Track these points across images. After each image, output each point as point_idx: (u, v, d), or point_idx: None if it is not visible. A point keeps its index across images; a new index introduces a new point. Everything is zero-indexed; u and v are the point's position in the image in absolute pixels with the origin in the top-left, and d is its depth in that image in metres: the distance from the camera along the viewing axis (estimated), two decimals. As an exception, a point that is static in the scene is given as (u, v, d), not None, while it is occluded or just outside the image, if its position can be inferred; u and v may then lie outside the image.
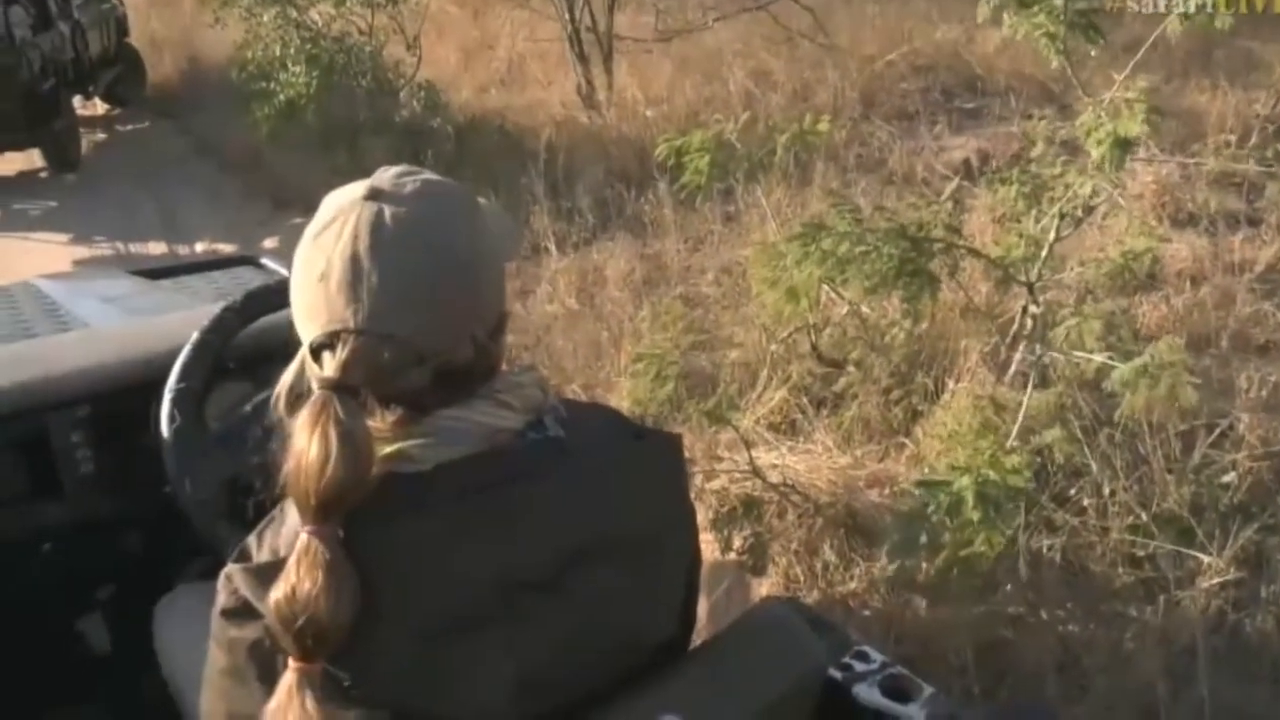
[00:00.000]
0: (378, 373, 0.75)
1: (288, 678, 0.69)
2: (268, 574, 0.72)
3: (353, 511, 0.72)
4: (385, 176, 0.80)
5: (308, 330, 0.78)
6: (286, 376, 0.80)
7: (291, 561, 0.70)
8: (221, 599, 0.75)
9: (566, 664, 0.77)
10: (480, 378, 0.80)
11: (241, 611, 0.73)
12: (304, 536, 0.70)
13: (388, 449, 0.76)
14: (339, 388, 0.73)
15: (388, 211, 0.76)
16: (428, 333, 0.76)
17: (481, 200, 0.85)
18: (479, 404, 0.78)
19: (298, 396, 0.76)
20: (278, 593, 0.69)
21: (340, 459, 0.70)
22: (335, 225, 0.77)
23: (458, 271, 0.78)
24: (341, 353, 0.74)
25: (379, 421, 0.77)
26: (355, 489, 0.71)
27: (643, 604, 0.83)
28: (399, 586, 0.72)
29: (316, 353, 0.76)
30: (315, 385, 0.74)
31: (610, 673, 0.80)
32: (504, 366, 0.84)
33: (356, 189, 0.79)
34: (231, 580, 0.74)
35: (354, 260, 0.75)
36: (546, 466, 0.78)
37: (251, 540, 0.78)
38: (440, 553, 0.74)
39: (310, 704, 0.68)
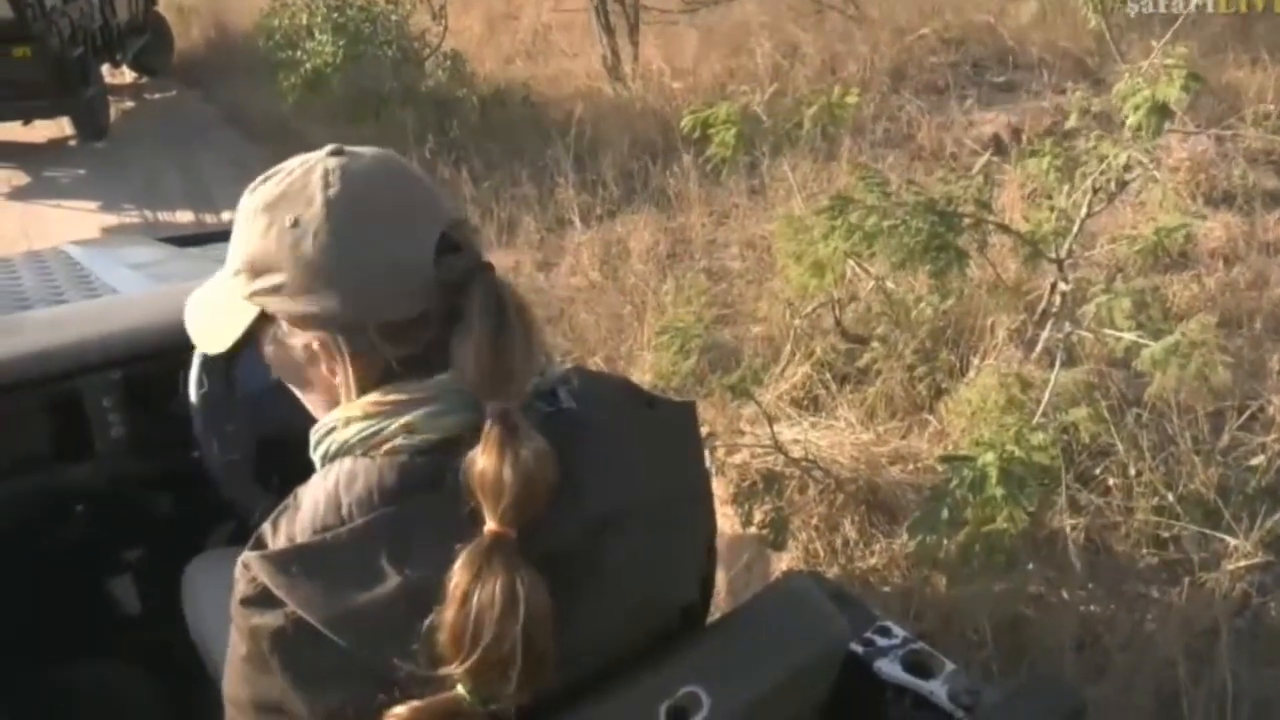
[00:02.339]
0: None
1: (480, 542, 0.69)
2: (286, 561, 0.71)
3: None
4: (322, 151, 0.81)
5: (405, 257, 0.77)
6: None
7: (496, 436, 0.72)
8: (240, 587, 0.74)
9: (594, 634, 0.77)
10: None
11: (261, 599, 0.72)
12: (495, 425, 0.72)
13: (402, 419, 0.74)
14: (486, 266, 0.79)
15: (367, 154, 0.81)
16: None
17: None
18: None
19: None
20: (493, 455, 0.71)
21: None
22: (355, 181, 0.78)
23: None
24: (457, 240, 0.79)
25: (381, 395, 0.76)
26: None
27: (663, 571, 0.83)
28: None
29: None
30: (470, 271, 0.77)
31: (636, 640, 0.80)
32: None
33: (313, 157, 0.80)
34: (249, 568, 0.73)
35: (393, 180, 0.79)
36: (563, 440, 0.77)
37: (266, 528, 0.77)
38: None
39: (500, 564, 0.68)
